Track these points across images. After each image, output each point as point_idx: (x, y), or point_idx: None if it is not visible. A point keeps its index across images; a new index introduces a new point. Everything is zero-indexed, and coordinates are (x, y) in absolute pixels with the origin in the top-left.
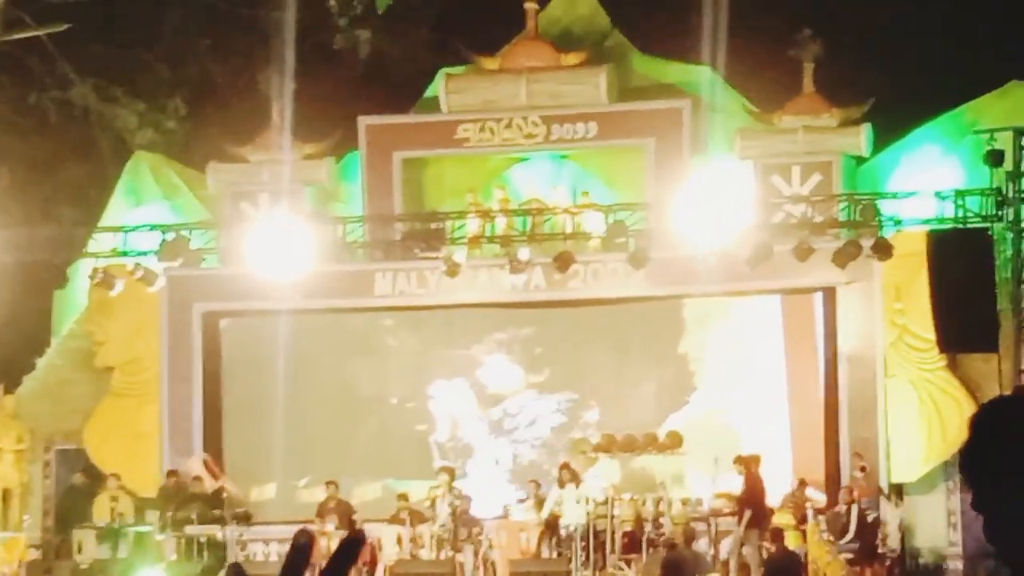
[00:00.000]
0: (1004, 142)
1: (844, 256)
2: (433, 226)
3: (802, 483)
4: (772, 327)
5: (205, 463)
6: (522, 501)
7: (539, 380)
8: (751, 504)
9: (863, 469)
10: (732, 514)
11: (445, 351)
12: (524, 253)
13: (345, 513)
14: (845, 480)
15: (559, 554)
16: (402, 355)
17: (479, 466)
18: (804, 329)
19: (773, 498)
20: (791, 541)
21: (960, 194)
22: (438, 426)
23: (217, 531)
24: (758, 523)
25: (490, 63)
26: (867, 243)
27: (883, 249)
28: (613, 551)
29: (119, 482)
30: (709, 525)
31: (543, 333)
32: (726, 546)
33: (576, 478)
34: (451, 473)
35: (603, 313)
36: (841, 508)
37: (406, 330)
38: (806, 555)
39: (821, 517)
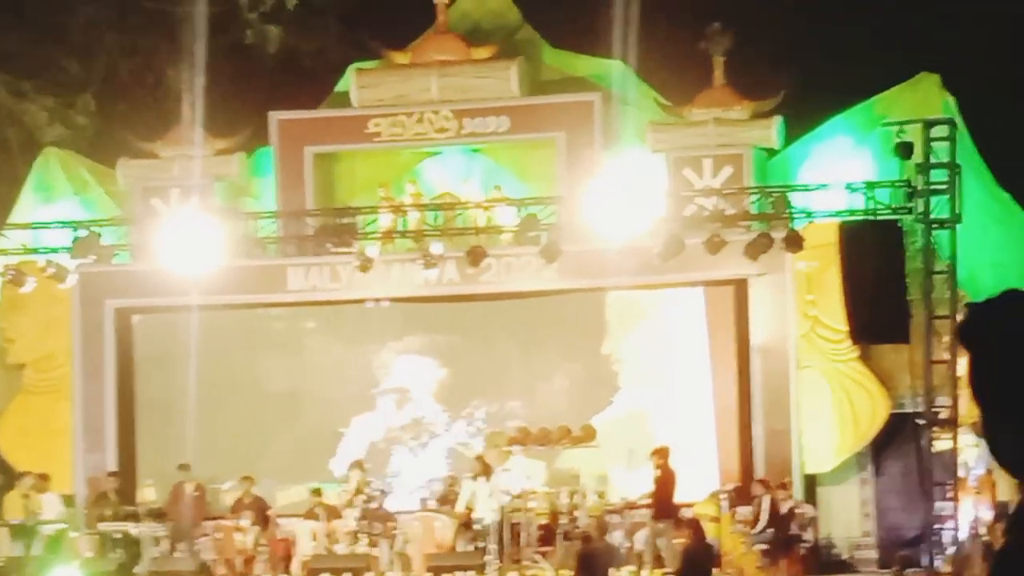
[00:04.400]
0: (914, 134)
1: (756, 248)
2: (345, 221)
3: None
4: (696, 320)
5: None
6: (440, 498)
7: (451, 377)
8: (663, 495)
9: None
10: (647, 506)
11: (359, 349)
12: (437, 247)
13: (260, 509)
14: (759, 472)
15: (475, 547)
16: (317, 354)
17: (395, 463)
18: (727, 321)
19: (696, 491)
20: (710, 532)
21: (871, 186)
22: (353, 426)
23: (131, 528)
24: (670, 513)
25: (401, 57)
26: (778, 235)
27: (794, 241)
28: (528, 544)
29: (32, 480)
30: (623, 517)
31: (455, 329)
32: (641, 538)
33: (488, 471)
34: (360, 467)
35: (516, 307)
36: (755, 500)
37: (321, 328)
38: (720, 546)
39: (735, 509)
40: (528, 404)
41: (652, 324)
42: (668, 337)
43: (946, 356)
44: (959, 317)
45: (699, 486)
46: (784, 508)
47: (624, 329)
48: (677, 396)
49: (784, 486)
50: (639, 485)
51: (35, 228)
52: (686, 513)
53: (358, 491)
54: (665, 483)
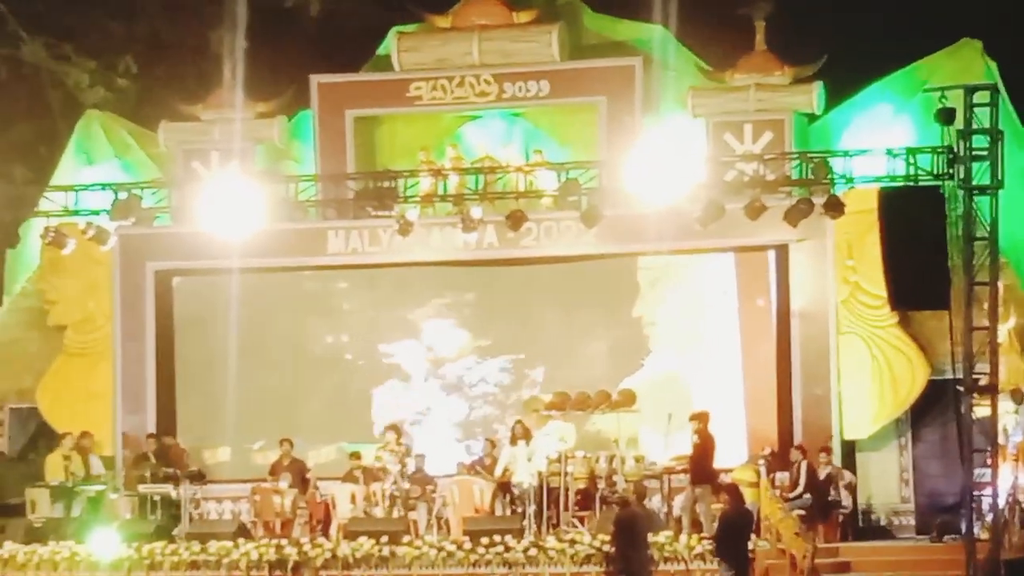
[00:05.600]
0: (955, 100)
1: (796, 214)
2: (385, 184)
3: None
4: (726, 286)
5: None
6: (477, 461)
7: (487, 341)
8: (702, 460)
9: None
10: (685, 471)
11: (397, 312)
12: (476, 211)
13: (299, 471)
14: (798, 437)
15: (512, 511)
16: (355, 316)
17: (431, 425)
18: (758, 287)
19: (725, 455)
20: (749, 497)
21: (911, 152)
22: (388, 387)
23: (171, 490)
24: (708, 479)
25: (442, 21)
26: (819, 201)
27: (835, 207)
28: (566, 508)
29: (73, 441)
30: (662, 482)
31: (492, 292)
32: (679, 503)
33: (528, 435)
34: (397, 431)
35: (555, 272)
36: (794, 465)
37: (360, 291)
38: (759, 512)
39: (774, 475)
40: (563, 367)
41: (683, 288)
42: (698, 301)
43: (986, 323)
44: (1000, 284)
45: (728, 450)
46: (823, 474)
47: (655, 292)
48: (707, 360)
49: (826, 450)
50: (671, 449)
51: (76, 190)
52: (725, 479)
53: (396, 454)
54: (704, 448)
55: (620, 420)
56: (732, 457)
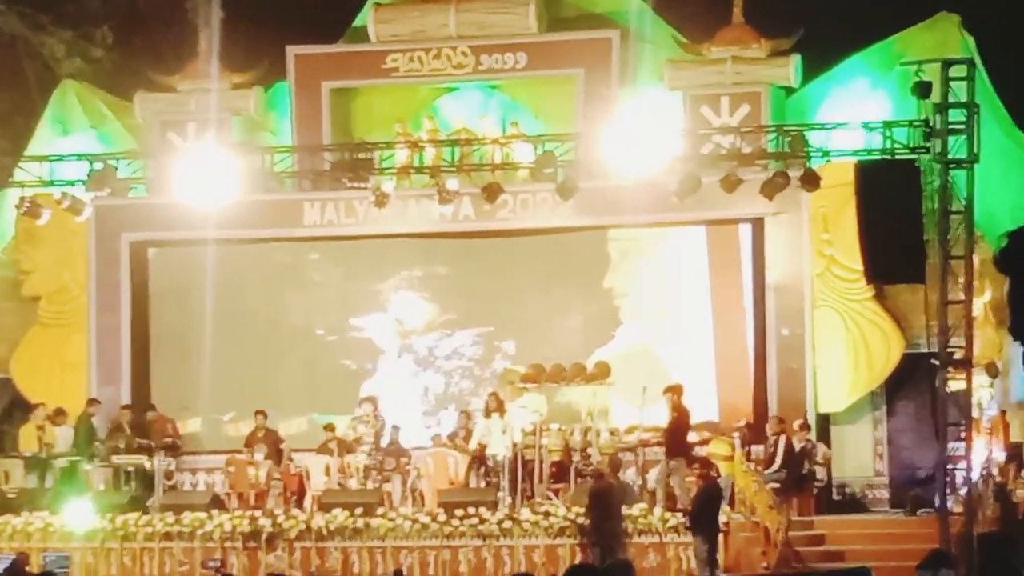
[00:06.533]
0: (932, 74)
1: (772, 187)
2: (362, 156)
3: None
4: (697, 259)
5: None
6: (452, 433)
7: (459, 315)
8: (676, 433)
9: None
10: (659, 444)
11: (371, 285)
12: (453, 183)
13: (273, 443)
14: (773, 410)
15: (487, 484)
16: (328, 288)
17: (404, 397)
18: (729, 260)
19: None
20: (724, 470)
21: (888, 125)
22: (361, 360)
23: (145, 461)
24: (683, 452)
25: None
26: (795, 174)
27: (811, 180)
28: (541, 481)
29: (46, 412)
30: (636, 455)
31: (467, 265)
32: (653, 476)
33: (501, 408)
34: (374, 402)
35: (530, 244)
36: (770, 439)
37: (333, 263)
38: (733, 484)
39: (749, 448)
40: (536, 339)
41: (654, 261)
42: (669, 274)
43: (961, 297)
44: (975, 257)
45: (698, 422)
46: (797, 447)
47: (626, 263)
48: (678, 333)
49: (805, 427)
50: (645, 421)
51: (52, 161)
52: (699, 451)
53: (371, 425)
54: (679, 421)
55: (593, 393)
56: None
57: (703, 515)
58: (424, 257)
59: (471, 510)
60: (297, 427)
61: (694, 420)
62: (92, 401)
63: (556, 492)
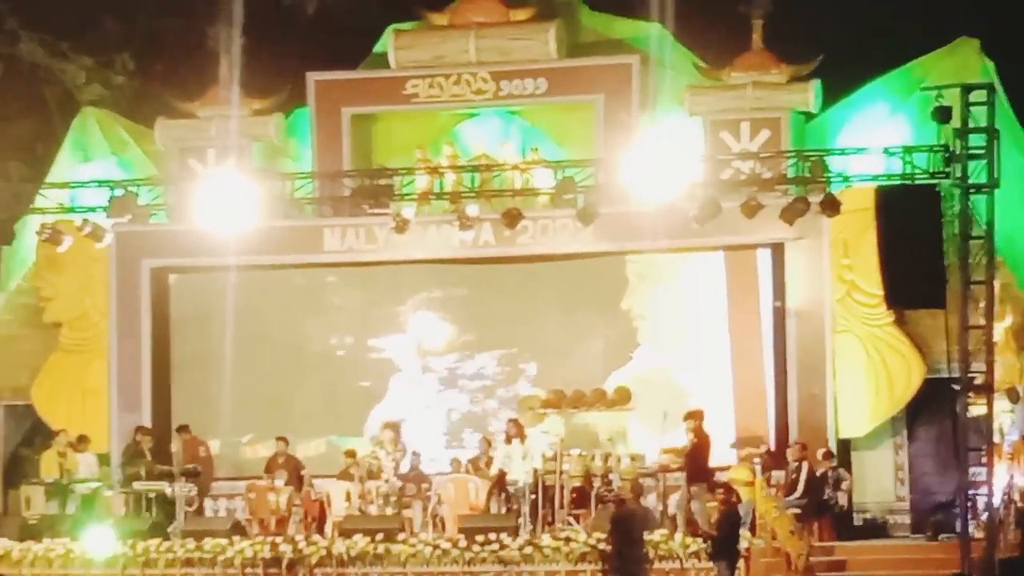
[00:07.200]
0: (952, 99)
1: (792, 212)
2: (382, 182)
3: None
4: (715, 284)
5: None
6: (473, 459)
7: (479, 338)
8: (697, 459)
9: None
10: (680, 469)
11: (391, 308)
12: (473, 209)
13: (294, 469)
14: (794, 436)
15: (508, 509)
16: (348, 312)
17: (423, 419)
18: (747, 286)
19: (720, 454)
20: (744, 496)
21: (908, 150)
22: (381, 383)
23: (166, 487)
24: (703, 478)
25: (439, 19)
26: (815, 199)
27: (831, 205)
28: (562, 507)
29: (67, 438)
30: (657, 480)
31: (488, 290)
32: (674, 501)
33: (521, 434)
34: (395, 429)
35: (551, 269)
36: (791, 465)
37: (352, 287)
38: (754, 510)
39: (770, 473)
40: (556, 363)
41: (671, 282)
42: (686, 297)
43: (982, 321)
44: (996, 282)
45: (717, 447)
46: (818, 472)
47: (644, 285)
48: (696, 357)
49: (828, 455)
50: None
51: (72, 187)
52: (720, 477)
53: (390, 453)
54: (699, 447)
55: (610, 416)
56: (721, 453)
57: (727, 540)
58: (444, 279)
59: (492, 536)
60: (315, 449)
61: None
62: (141, 429)
63: (577, 518)
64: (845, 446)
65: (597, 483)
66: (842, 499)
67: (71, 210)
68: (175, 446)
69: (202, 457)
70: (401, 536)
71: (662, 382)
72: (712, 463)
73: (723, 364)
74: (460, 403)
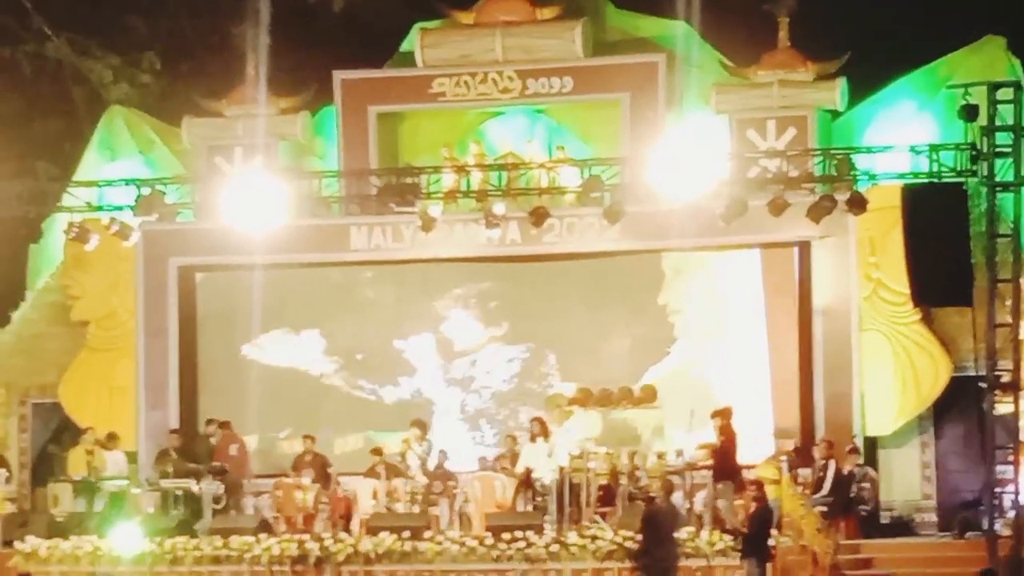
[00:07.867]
0: (979, 97)
1: (819, 210)
2: (408, 180)
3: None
4: (752, 280)
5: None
6: (499, 456)
7: (506, 336)
8: (724, 457)
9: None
10: (707, 467)
11: (420, 305)
12: (499, 207)
13: (321, 466)
14: (820, 434)
15: (534, 507)
16: (378, 308)
17: (451, 420)
18: (784, 283)
19: (750, 451)
20: (771, 494)
21: (935, 148)
22: (408, 379)
23: (193, 485)
24: (730, 475)
25: (465, 17)
26: (842, 197)
27: (858, 203)
28: (588, 504)
29: (95, 436)
30: (684, 478)
31: (515, 288)
32: (700, 499)
33: (546, 433)
34: (422, 426)
35: (578, 267)
36: (818, 463)
37: (383, 283)
38: (780, 508)
39: (796, 471)
40: (585, 362)
41: (708, 278)
42: (723, 293)
43: (1009, 319)
44: (1023, 280)
45: (753, 445)
46: (846, 471)
47: (680, 280)
48: (732, 353)
49: (854, 451)
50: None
51: (100, 186)
52: (747, 475)
53: (415, 450)
54: (727, 445)
55: (643, 415)
56: (757, 451)
57: (758, 538)
58: (472, 277)
59: (518, 533)
60: (353, 444)
61: (748, 443)
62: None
63: (603, 516)
64: (872, 444)
65: (624, 481)
66: (868, 496)
67: (98, 209)
68: (214, 440)
69: (232, 456)
70: (428, 534)
71: (692, 379)
72: (739, 461)
73: (758, 361)
74: (487, 401)
